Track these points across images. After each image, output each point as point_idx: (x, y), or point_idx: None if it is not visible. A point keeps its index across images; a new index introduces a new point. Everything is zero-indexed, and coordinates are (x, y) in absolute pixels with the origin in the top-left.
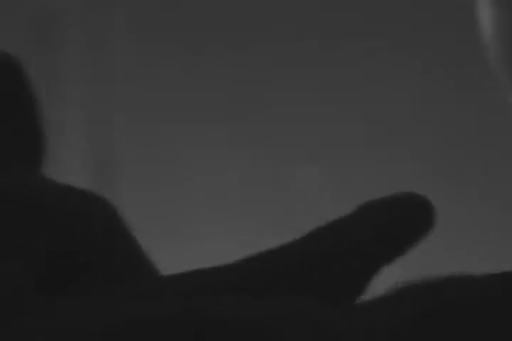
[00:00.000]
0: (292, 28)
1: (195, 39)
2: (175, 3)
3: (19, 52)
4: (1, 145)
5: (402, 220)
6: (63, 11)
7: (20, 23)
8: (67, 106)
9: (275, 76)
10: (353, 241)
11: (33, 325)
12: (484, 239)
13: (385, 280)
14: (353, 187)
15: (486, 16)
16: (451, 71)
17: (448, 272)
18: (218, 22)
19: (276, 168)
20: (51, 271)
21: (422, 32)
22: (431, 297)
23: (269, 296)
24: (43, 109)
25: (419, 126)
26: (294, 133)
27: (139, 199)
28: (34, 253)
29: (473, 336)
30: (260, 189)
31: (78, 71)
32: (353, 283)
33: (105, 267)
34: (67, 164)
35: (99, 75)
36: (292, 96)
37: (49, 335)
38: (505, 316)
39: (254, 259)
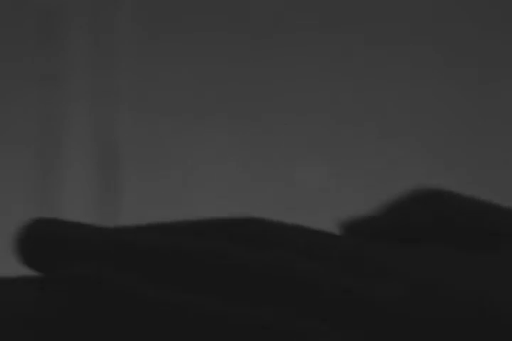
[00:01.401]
0: (293, 29)
1: (197, 36)
2: (178, 0)
3: (24, 47)
4: None
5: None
6: (67, 6)
7: (25, 19)
8: (72, 98)
9: (276, 76)
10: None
11: None
12: None
13: None
14: (355, 183)
15: None
16: (455, 69)
17: None
18: (219, 21)
19: (279, 166)
20: None
21: (423, 28)
22: None
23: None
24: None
25: (426, 122)
26: (296, 131)
27: (141, 187)
28: None
29: None
30: (263, 187)
31: (82, 65)
32: None
33: None
34: (72, 154)
35: (102, 70)
36: (294, 95)
37: None
38: None
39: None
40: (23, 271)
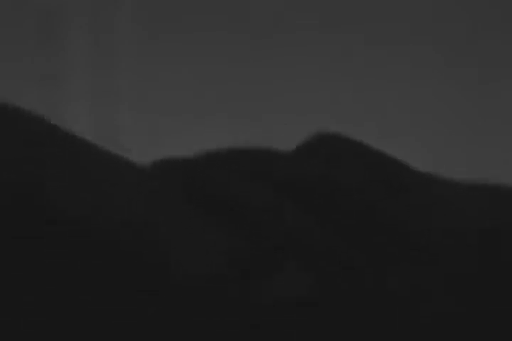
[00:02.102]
0: (293, 29)
1: (197, 36)
2: (178, 0)
3: (24, 47)
4: None
5: None
6: (67, 6)
7: (25, 19)
8: (72, 98)
9: (276, 76)
10: None
11: None
12: None
13: None
14: None
15: None
16: (452, 69)
17: None
18: (219, 21)
19: None
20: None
21: (424, 26)
22: None
23: None
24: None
25: (426, 122)
26: (296, 131)
27: None
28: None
29: None
30: None
31: (82, 65)
32: None
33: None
34: None
35: (102, 70)
36: (294, 95)
37: None
38: None
39: None
40: None
